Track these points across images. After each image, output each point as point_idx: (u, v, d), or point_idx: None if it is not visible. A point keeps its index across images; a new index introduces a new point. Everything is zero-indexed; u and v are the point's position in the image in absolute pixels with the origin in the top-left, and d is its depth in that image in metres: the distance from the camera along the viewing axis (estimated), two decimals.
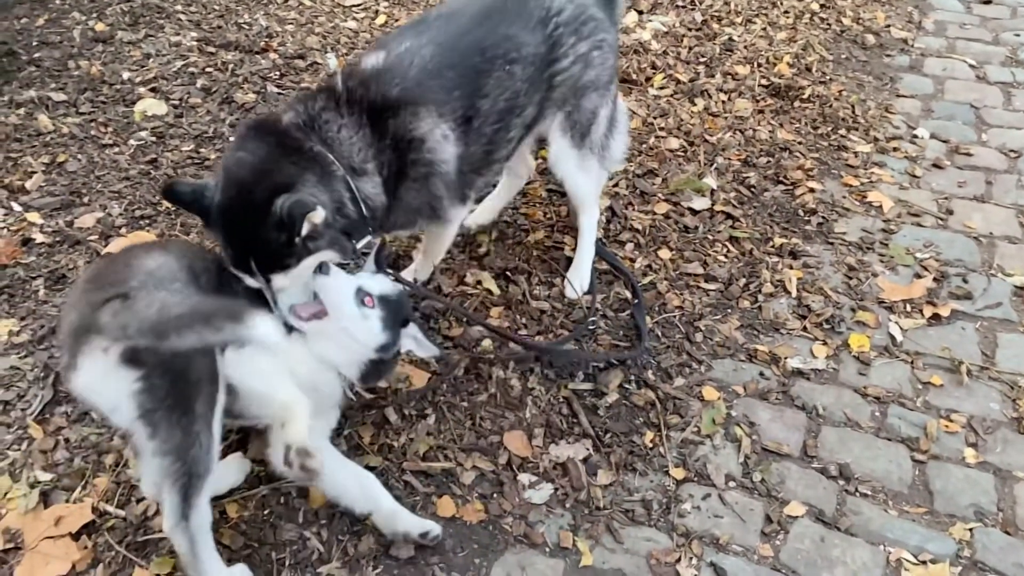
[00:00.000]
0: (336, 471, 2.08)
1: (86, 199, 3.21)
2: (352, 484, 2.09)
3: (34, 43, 4.26)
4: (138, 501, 2.12)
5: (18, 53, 4.15)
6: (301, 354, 2.05)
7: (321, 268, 2.06)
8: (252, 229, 1.94)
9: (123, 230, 3.04)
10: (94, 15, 4.54)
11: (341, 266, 2.18)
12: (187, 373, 1.75)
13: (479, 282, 2.87)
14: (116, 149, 3.51)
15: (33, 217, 3.07)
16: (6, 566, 1.98)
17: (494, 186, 3.09)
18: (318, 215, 1.96)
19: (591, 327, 2.71)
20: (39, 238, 2.98)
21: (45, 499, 2.11)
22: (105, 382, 1.74)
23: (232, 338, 1.74)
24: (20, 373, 2.47)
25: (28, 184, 3.25)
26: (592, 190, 2.82)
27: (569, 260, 2.94)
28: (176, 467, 1.75)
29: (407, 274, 2.71)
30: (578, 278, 2.85)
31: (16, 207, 3.13)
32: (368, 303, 2.06)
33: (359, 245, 2.23)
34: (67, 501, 2.11)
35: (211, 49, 4.20)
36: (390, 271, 2.39)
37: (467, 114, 2.30)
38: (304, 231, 1.95)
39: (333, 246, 2.09)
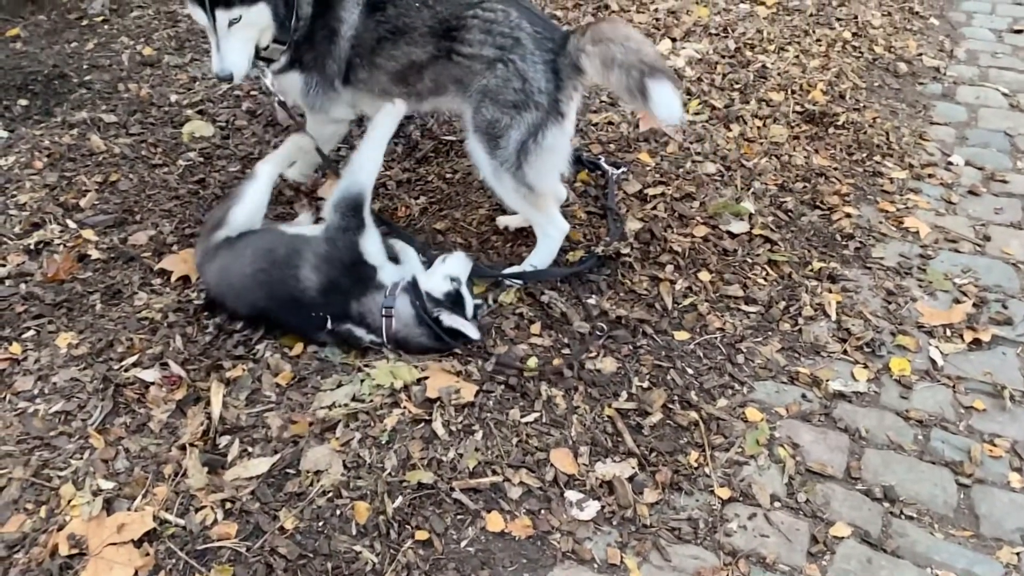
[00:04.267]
0: None
1: (138, 217, 3.30)
2: None
3: (85, 67, 4.40)
4: (197, 510, 2.17)
5: (69, 76, 4.29)
6: None
7: None
8: None
9: (175, 247, 3.12)
10: (141, 40, 4.68)
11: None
12: None
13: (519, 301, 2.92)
14: (166, 169, 3.61)
15: (88, 234, 3.16)
16: (71, 571, 2.04)
17: None
18: None
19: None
20: (95, 254, 3.07)
21: (108, 507, 2.17)
22: None
23: None
24: (80, 384, 2.54)
25: (82, 202, 3.35)
26: (516, 203, 2.92)
27: (610, 283, 3.00)
28: None
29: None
30: (535, 263, 3.02)
31: (72, 224, 3.23)
32: None
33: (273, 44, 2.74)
34: (129, 509, 2.16)
35: None
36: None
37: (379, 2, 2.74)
38: None
39: (270, 2, 2.62)
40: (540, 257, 3.03)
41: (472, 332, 2.64)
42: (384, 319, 2.61)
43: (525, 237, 3.19)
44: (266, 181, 2.92)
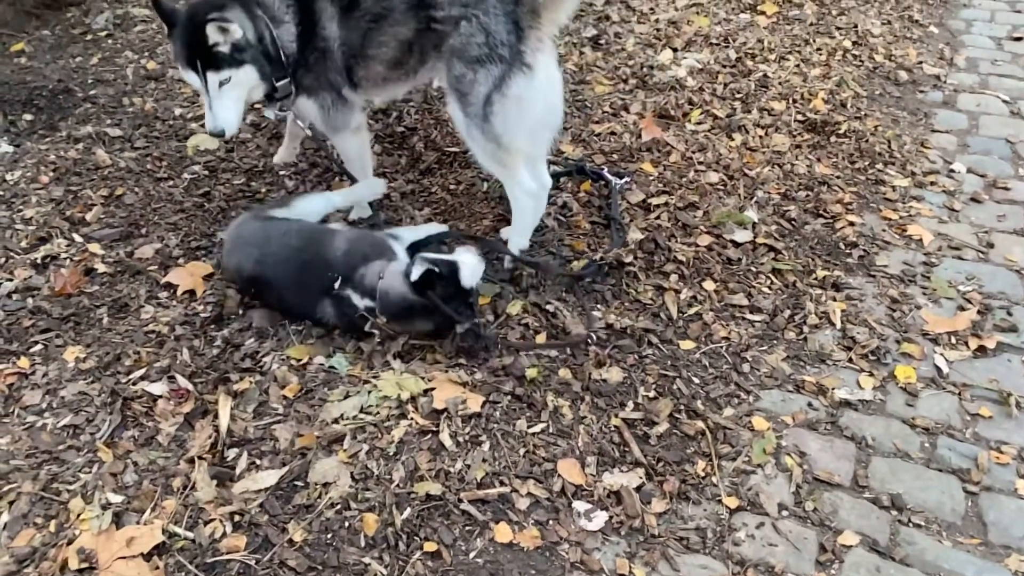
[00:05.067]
0: None
1: (144, 230, 3.32)
2: None
3: (89, 81, 4.43)
4: (206, 523, 2.18)
5: (74, 91, 4.32)
6: None
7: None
8: (195, 35, 2.69)
9: (180, 260, 3.13)
10: (145, 54, 4.71)
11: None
12: None
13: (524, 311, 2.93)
14: (171, 182, 3.63)
15: (94, 248, 3.18)
16: None
17: None
18: (236, 30, 2.71)
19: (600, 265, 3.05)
20: (101, 268, 3.08)
21: (117, 520, 2.17)
22: None
23: None
24: (88, 398, 2.55)
25: (88, 216, 3.37)
26: (487, 162, 3.02)
27: (615, 293, 3.01)
28: None
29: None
30: (515, 242, 3.16)
31: (78, 238, 3.24)
32: None
33: (278, 84, 2.92)
34: (138, 523, 2.17)
35: None
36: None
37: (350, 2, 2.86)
38: (227, 40, 2.71)
39: (255, 64, 2.82)
40: (518, 229, 3.14)
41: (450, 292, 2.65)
42: (379, 279, 2.68)
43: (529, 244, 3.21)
44: (324, 203, 3.16)
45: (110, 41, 4.87)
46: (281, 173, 3.68)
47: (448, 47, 2.89)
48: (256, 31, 2.80)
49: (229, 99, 2.84)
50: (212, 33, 2.69)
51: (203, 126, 3.98)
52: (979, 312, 3.03)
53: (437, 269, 2.60)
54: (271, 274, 2.81)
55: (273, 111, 3.17)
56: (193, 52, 2.73)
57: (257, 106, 3.14)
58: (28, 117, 4.09)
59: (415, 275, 2.60)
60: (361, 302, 2.70)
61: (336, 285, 2.71)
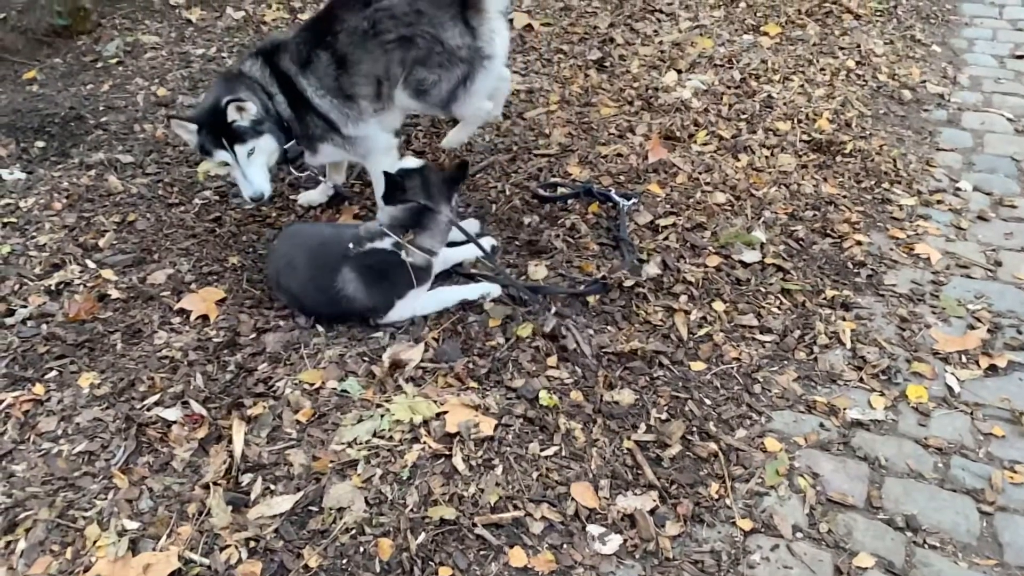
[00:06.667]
0: None
1: (156, 256, 3.35)
2: None
3: (100, 108, 4.47)
4: (222, 550, 2.18)
5: (86, 118, 4.37)
6: None
7: None
8: (219, 118, 3.02)
9: (192, 286, 3.16)
10: (156, 81, 4.76)
11: None
12: None
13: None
14: (182, 208, 3.66)
15: (107, 274, 3.20)
16: None
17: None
18: (250, 107, 3.06)
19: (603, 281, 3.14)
20: (114, 294, 3.10)
21: (133, 547, 2.18)
22: None
23: None
24: (103, 424, 2.56)
25: (101, 242, 3.40)
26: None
27: (625, 314, 3.03)
28: None
29: None
30: (456, 138, 3.77)
31: (91, 264, 3.27)
32: None
33: (287, 145, 3.23)
34: (154, 549, 2.17)
35: None
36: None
37: (309, 56, 3.21)
38: (246, 117, 3.05)
39: (272, 133, 3.15)
40: (465, 133, 3.77)
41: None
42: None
43: (534, 253, 3.23)
44: None
45: (120, 68, 4.92)
46: (291, 198, 3.72)
47: (409, 59, 3.24)
48: (262, 104, 3.14)
49: (256, 166, 3.14)
50: (232, 113, 3.02)
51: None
52: (989, 331, 3.03)
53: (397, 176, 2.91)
54: (288, 264, 3.00)
55: (294, 171, 3.48)
56: (220, 133, 3.05)
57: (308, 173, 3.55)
58: (41, 144, 4.13)
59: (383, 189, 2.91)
60: (383, 243, 2.87)
61: (351, 246, 2.87)
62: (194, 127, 3.06)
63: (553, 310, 2.99)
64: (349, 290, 2.86)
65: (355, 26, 3.19)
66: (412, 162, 3.04)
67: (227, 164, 3.15)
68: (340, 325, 2.97)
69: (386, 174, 2.88)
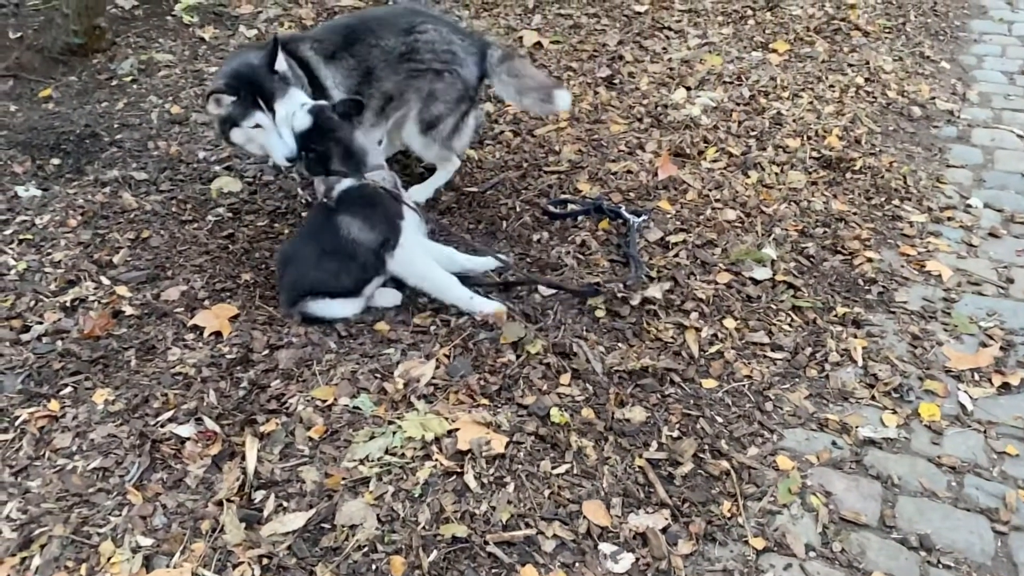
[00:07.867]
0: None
1: (170, 273, 3.37)
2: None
3: (115, 125, 4.52)
4: (235, 567, 2.19)
5: (100, 135, 4.41)
6: None
7: None
8: (257, 75, 3.22)
9: (206, 302, 3.18)
10: (169, 99, 4.81)
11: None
12: None
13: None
14: (196, 225, 3.69)
15: (122, 290, 3.23)
16: None
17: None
18: (281, 63, 3.23)
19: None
20: (128, 310, 3.13)
21: (147, 563, 2.19)
22: None
23: None
24: (117, 440, 2.58)
25: (115, 259, 3.43)
26: (430, 158, 3.84)
27: (635, 331, 3.03)
28: None
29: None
30: (422, 192, 3.84)
31: (105, 281, 3.30)
32: None
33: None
34: (167, 566, 2.18)
35: None
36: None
37: (335, 53, 3.49)
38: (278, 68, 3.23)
39: (298, 82, 3.33)
40: (432, 187, 3.88)
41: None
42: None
43: (544, 270, 3.24)
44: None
45: (135, 86, 4.97)
46: (303, 214, 3.74)
47: (429, 90, 3.59)
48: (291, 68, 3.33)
49: (287, 128, 3.27)
50: (280, 63, 3.22)
51: (227, 169, 4.10)
52: (1001, 348, 3.03)
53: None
54: (295, 261, 3.14)
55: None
56: (258, 94, 3.20)
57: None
58: (56, 161, 4.18)
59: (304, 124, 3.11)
60: (343, 183, 3.09)
61: (325, 200, 3.10)
62: (230, 98, 3.19)
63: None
64: (355, 232, 3.05)
65: (392, 47, 3.53)
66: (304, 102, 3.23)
67: (258, 128, 3.24)
68: (353, 341, 2.99)
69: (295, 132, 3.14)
